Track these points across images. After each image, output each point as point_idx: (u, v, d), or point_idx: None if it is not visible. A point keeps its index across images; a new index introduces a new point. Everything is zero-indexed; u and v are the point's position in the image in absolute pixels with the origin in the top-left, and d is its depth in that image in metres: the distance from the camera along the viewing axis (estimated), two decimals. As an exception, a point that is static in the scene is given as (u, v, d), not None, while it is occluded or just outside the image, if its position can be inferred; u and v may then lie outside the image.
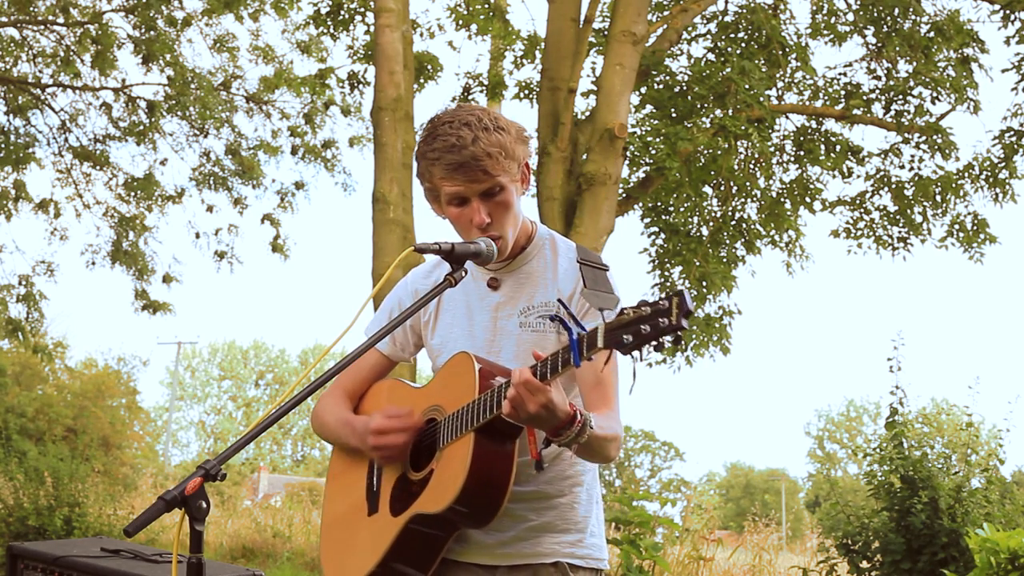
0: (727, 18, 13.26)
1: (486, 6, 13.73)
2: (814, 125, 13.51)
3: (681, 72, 12.92)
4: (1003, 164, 12.94)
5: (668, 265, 13.40)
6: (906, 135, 13.12)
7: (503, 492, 2.35)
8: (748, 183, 13.47)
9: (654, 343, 1.99)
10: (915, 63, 12.63)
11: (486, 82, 13.79)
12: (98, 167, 16.03)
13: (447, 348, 2.61)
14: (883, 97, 12.96)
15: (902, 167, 13.44)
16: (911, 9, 12.57)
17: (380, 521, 2.55)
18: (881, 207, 13.80)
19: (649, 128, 11.96)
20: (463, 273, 2.37)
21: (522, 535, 2.50)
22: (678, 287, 2.08)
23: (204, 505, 2.01)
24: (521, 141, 2.50)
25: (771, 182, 13.72)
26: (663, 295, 2.00)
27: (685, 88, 12.46)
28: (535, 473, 2.45)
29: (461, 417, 2.39)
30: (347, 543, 2.66)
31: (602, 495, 2.74)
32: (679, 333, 1.97)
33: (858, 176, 13.71)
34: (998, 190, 13.10)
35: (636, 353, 2.03)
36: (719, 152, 11.99)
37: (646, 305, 2.02)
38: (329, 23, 14.15)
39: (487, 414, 2.31)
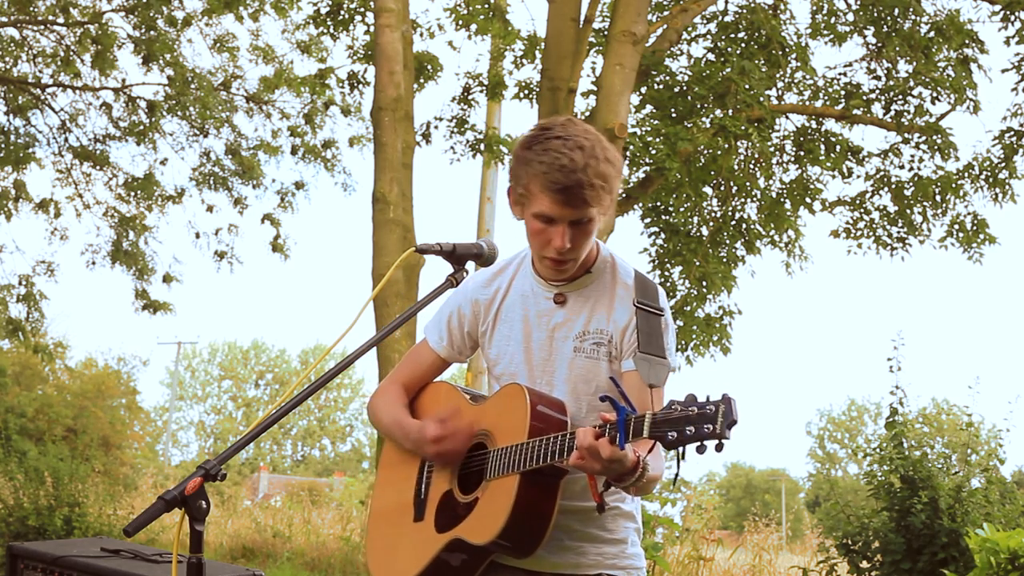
0: (727, 18, 13.25)
1: (486, 6, 13.71)
2: (814, 125, 13.51)
3: (681, 72, 12.92)
4: (1003, 164, 12.93)
5: (668, 265, 13.40)
6: (906, 135, 13.11)
7: (544, 530, 2.40)
8: (748, 183, 13.47)
9: (696, 445, 2.05)
10: (915, 63, 12.62)
11: (486, 82, 13.78)
12: (98, 167, 16.03)
13: (503, 360, 2.65)
14: (883, 97, 12.96)
15: (902, 167, 13.44)
16: (911, 9, 12.57)
17: (424, 532, 2.60)
18: (881, 207, 13.80)
19: (649, 128, 11.95)
20: (464, 273, 2.38)
21: (568, 545, 2.53)
22: (726, 394, 2.06)
23: (204, 505, 2.01)
24: (619, 177, 2.51)
25: (771, 182, 13.71)
26: (711, 400, 2.06)
27: (685, 88, 12.45)
28: (596, 514, 2.50)
29: (509, 456, 2.42)
30: (392, 543, 2.73)
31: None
32: (723, 442, 2.03)
33: (858, 176, 13.72)
34: (998, 190, 13.10)
35: (679, 448, 2.09)
36: (719, 152, 11.99)
37: (694, 405, 2.07)
38: (329, 23, 14.14)
39: (534, 462, 2.35)
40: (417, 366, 2.80)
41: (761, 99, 11.72)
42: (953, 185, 13.10)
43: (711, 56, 12.90)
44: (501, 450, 2.46)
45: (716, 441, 2.03)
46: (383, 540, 2.76)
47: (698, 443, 2.04)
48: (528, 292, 2.64)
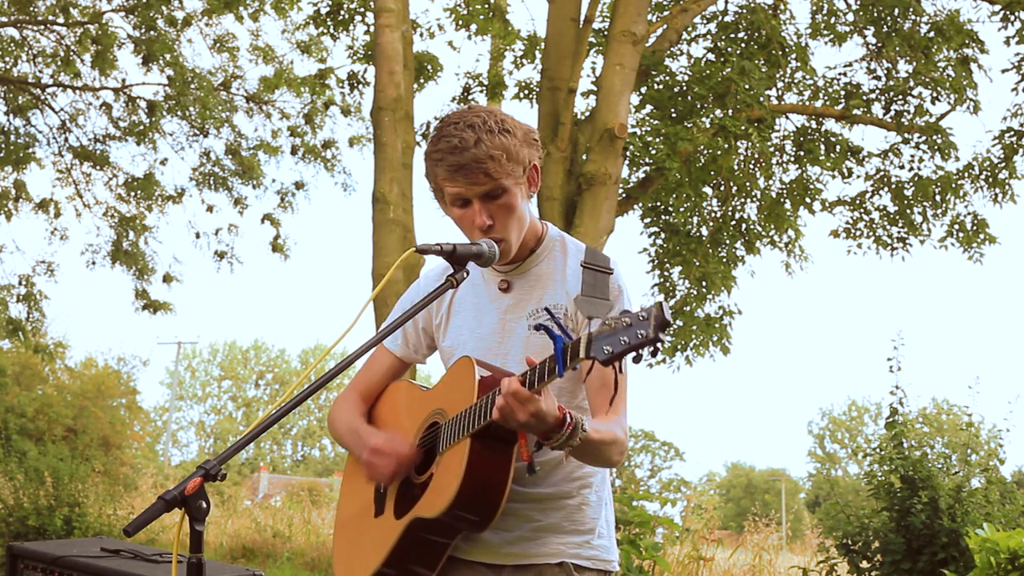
0: (727, 18, 13.25)
1: (486, 6, 13.72)
2: (814, 125, 13.51)
3: (681, 72, 12.92)
4: (1003, 164, 12.94)
5: (668, 265, 13.40)
6: (906, 135, 13.12)
7: (500, 496, 2.36)
8: (748, 183, 13.47)
9: (632, 355, 2.02)
10: (915, 63, 12.63)
11: (486, 82, 13.78)
12: (98, 167, 16.03)
13: (458, 351, 2.64)
14: (883, 97, 12.96)
15: (902, 167, 13.45)
16: (911, 9, 12.57)
17: (385, 523, 2.58)
18: (881, 207, 13.80)
19: (649, 128, 11.95)
20: (465, 274, 2.37)
21: (528, 535, 2.50)
22: (659, 298, 2.07)
23: (204, 505, 2.01)
24: (528, 144, 2.51)
25: (771, 182, 13.72)
26: (643, 307, 2.03)
27: (685, 88, 12.45)
28: (533, 475, 2.44)
29: (459, 422, 2.41)
30: (355, 544, 2.70)
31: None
32: (657, 345, 1.99)
33: (858, 176, 13.73)
34: (998, 190, 13.10)
35: (616, 364, 2.07)
36: (719, 152, 11.98)
37: (627, 316, 2.04)
38: (329, 23, 14.14)
39: (482, 420, 2.32)
40: (375, 371, 2.79)
41: (761, 99, 11.73)
42: (953, 185, 13.11)
43: (711, 56, 12.90)
44: (451, 420, 2.45)
45: (651, 347, 1.99)
46: (347, 544, 2.74)
47: (634, 352, 2.01)
48: (478, 281, 2.64)
